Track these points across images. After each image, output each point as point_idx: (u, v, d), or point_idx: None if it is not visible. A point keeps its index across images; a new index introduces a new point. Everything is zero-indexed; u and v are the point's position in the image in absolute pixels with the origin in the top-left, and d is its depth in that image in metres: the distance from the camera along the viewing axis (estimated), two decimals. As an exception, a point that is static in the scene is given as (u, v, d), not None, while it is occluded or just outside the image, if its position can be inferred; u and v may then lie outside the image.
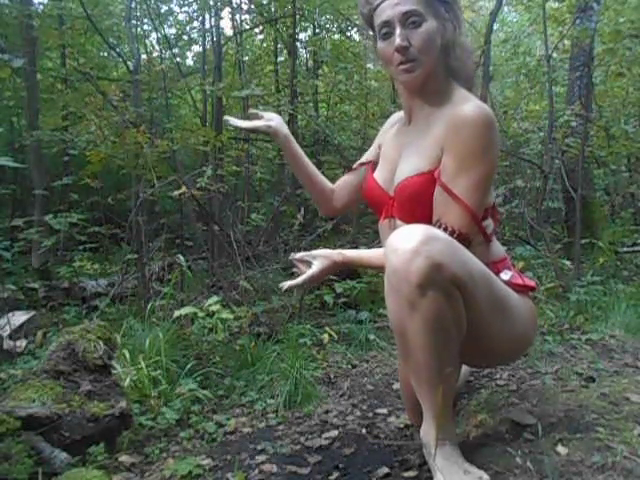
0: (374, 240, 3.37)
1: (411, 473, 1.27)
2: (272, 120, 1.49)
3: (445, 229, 1.16)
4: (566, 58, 4.60)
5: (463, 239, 1.15)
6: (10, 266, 3.19)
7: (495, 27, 6.02)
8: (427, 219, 1.21)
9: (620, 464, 1.09)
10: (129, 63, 4.68)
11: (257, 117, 1.51)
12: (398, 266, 1.06)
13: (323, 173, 1.60)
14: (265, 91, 5.35)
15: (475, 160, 1.17)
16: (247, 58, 6.11)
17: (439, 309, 1.05)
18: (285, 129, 1.50)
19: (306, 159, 1.54)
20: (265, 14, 5.67)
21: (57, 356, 1.52)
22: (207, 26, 5.51)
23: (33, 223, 3.35)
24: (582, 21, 4.05)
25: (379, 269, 1.22)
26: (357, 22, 5.59)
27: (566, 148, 3.75)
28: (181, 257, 2.79)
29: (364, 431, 1.58)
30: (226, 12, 6.29)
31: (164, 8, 5.53)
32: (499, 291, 1.20)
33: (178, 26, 5.99)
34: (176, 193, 2.72)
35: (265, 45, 6.70)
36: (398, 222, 1.29)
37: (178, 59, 5.75)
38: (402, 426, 1.60)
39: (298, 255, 1.34)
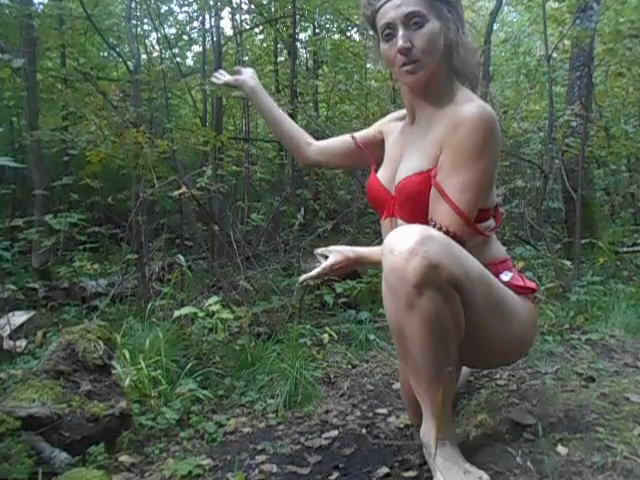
0: (374, 240, 3.37)
1: (411, 473, 1.27)
2: (242, 74, 1.63)
3: (439, 228, 1.17)
4: (566, 58, 4.59)
5: (454, 238, 1.14)
6: (10, 266, 3.19)
7: (495, 27, 6.02)
8: (427, 218, 1.21)
9: (620, 464, 1.09)
10: (129, 63, 4.68)
11: (238, 73, 1.65)
12: (395, 266, 1.06)
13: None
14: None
15: (469, 160, 1.17)
16: (247, 58, 6.11)
17: (437, 309, 1.05)
18: (252, 82, 1.62)
19: (275, 111, 1.62)
20: (265, 14, 5.68)
21: (57, 356, 1.52)
22: (207, 26, 5.52)
23: (33, 223, 3.34)
24: (582, 21, 4.05)
25: None
26: (357, 22, 5.60)
27: (566, 148, 3.75)
28: (181, 257, 2.79)
29: (364, 431, 1.58)
30: (226, 12, 6.30)
31: (164, 8, 5.53)
32: (498, 292, 1.20)
33: (178, 26, 6.00)
34: (176, 193, 2.72)
35: (265, 45, 6.70)
36: (399, 221, 1.30)
37: (178, 59, 5.75)
38: (402, 426, 1.60)
39: (319, 250, 1.39)
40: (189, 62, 6.62)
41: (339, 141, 1.61)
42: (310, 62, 6.48)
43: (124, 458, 1.43)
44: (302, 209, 3.91)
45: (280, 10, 5.60)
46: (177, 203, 4.65)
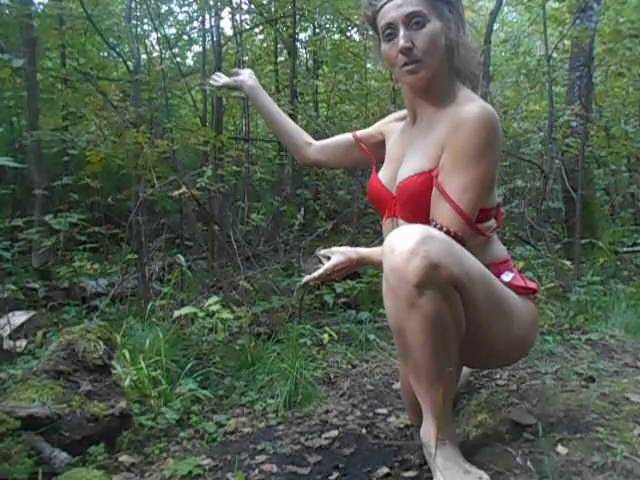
0: (374, 240, 3.37)
1: (411, 473, 1.27)
2: (239, 75, 1.63)
3: (440, 228, 1.17)
4: (566, 58, 4.59)
5: (454, 238, 1.14)
6: (10, 266, 3.19)
7: (495, 27, 6.02)
8: (428, 218, 1.21)
9: (620, 464, 1.09)
10: (129, 63, 4.68)
11: (236, 74, 1.65)
12: (396, 266, 1.06)
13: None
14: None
15: (471, 160, 1.17)
16: (247, 58, 6.11)
17: (437, 309, 1.05)
18: (251, 82, 1.62)
19: (275, 111, 1.62)
20: (265, 14, 5.67)
21: (57, 356, 1.52)
22: (207, 26, 5.51)
23: (33, 223, 3.34)
24: (582, 21, 4.05)
25: None
26: (357, 22, 5.60)
27: (566, 148, 3.75)
28: (181, 257, 2.78)
29: (364, 431, 1.58)
30: (226, 12, 6.30)
31: (164, 8, 5.53)
32: (498, 292, 1.20)
33: (178, 26, 5.99)
34: (176, 193, 2.72)
35: (265, 45, 6.70)
36: (400, 221, 1.30)
37: (178, 59, 5.75)
38: (402, 426, 1.60)
39: (322, 251, 1.40)
40: (189, 62, 6.63)
41: (339, 139, 1.61)
42: (310, 62, 6.48)
43: (124, 458, 1.43)
44: (302, 209, 3.92)
45: (280, 10, 5.60)
46: (177, 203, 4.64)
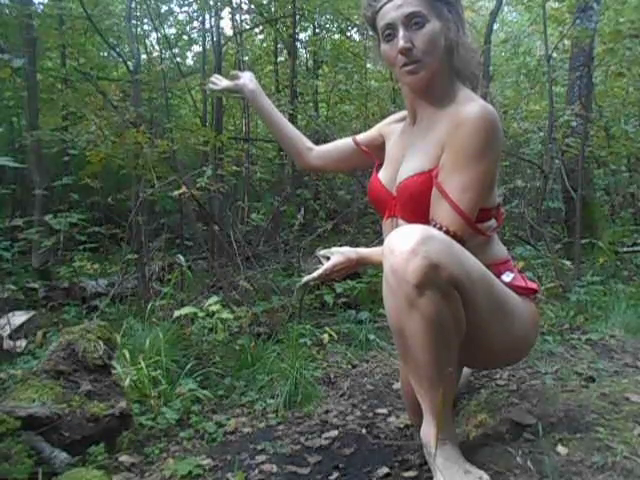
0: (374, 240, 3.37)
1: (411, 473, 1.27)
2: (240, 78, 1.62)
3: (440, 228, 1.17)
4: (566, 58, 4.59)
5: (454, 238, 1.14)
6: (10, 266, 3.19)
7: (495, 27, 6.02)
8: (428, 218, 1.21)
9: (620, 464, 1.09)
10: (129, 63, 4.67)
11: (236, 77, 1.63)
12: (396, 266, 1.06)
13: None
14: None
15: (471, 159, 1.17)
16: (247, 58, 6.11)
17: (437, 309, 1.05)
18: (252, 85, 1.61)
19: (275, 115, 1.61)
20: (265, 14, 5.68)
21: (57, 356, 1.52)
22: (207, 26, 5.52)
23: (33, 223, 3.34)
24: (582, 21, 4.05)
25: None
26: (357, 22, 5.60)
27: (566, 148, 3.75)
28: (181, 257, 2.79)
29: (364, 431, 1.58)
30: (226, 12, 6.31)
31: (164, 8, 5.53)
32: (499, 292, 1.20)
33: (178, 26, 6.00)
34: (176, 193, 2.72)
35: (265, 45, 6.71)
36: (401, 221, 1.30)
37: (178, 59, 5.75)
38: (402, 426, 1.60)
39: (322, 252, 1.40)
40: (189, 62, 6.63)
41: (340, 145, 1.60)
42: (310, 62, 6.48)
43: (124, 458, 1.43)
44: (302, 209, 3.92)
45: (280, 10, 5.60)
46: (177, 203, 4.65)
